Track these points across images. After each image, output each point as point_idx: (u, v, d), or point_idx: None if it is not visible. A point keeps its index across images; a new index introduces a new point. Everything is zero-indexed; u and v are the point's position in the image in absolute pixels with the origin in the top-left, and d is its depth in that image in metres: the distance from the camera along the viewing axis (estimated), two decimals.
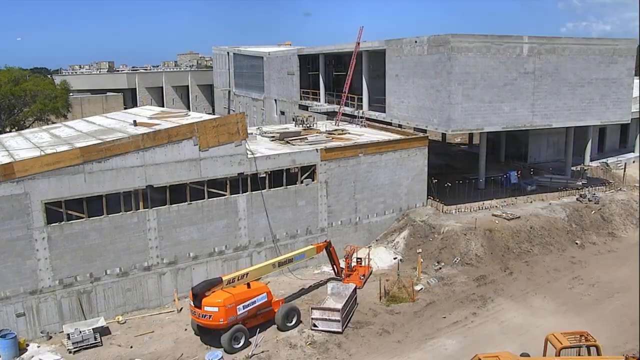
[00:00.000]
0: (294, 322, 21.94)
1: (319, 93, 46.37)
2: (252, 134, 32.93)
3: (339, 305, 21.97)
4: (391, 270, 26.83)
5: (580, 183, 35.50)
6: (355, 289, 23.77)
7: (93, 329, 21.17)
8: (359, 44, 37.64)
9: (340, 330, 21.53)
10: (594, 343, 16.00)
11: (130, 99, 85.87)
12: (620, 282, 25.67)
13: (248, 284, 21.57)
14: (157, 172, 23.51)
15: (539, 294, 25.04)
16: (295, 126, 36.28)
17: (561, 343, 15.87)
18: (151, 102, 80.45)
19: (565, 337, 16.25)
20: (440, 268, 27.13)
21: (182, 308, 23.91)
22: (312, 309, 22.08)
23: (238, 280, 21.15)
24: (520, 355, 16.92)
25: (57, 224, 21.85)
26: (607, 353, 16.68)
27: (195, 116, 29.96)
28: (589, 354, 16.02)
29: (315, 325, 21.77)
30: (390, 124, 36.08)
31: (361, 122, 37.49)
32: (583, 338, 16.20)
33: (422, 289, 25.30)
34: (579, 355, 16.08)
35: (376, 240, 30.16)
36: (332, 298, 23.21)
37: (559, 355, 15.72)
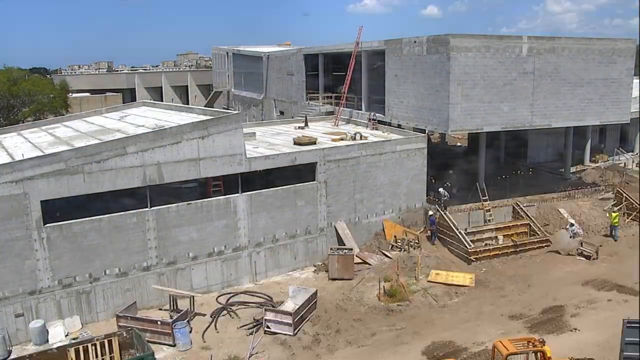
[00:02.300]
0: None
1: (318, 93, 46.40)
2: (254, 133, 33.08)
3: (292, 309, 21.87)
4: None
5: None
6: (315, 293, 23.53)
7: None
8: (358, 44, 37.63)
9: (291, 333, 21.26)
10: (540, 349, 15.81)
11: (129, 99, 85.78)
12: None
13: None
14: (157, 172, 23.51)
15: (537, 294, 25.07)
16: None
17: (507, 349, 15.69)
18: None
19: (512, 343, 16.08)
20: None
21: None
22: (265, 310, 21.99)
23: None
24: None
25: (56, 224, 21.82)
26: None
27: None
28: None
29: (268, 327, 21.61)
30: (389, 124, 36.06)
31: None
32: (530, 344, 16.02)
33: (422, 289, 25.29)
34: None
35: (375, 240, 30.12)
36: (292, 301, 23.14)
37: None
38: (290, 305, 22.83)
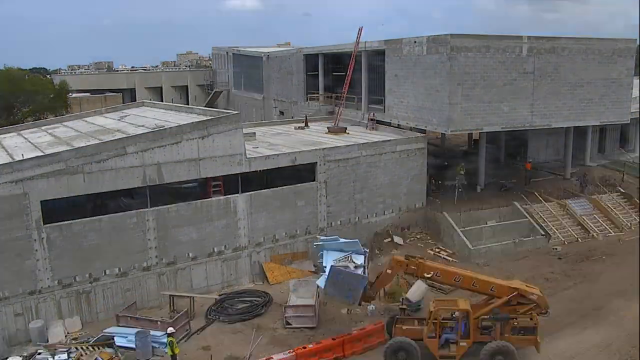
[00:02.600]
0: None
1: (318, 93, 46.39)
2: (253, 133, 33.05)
3: (312, 302, 22.42)
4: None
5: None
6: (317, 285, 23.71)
7: None
8: (358, 44, 37.60)
9: (314, 325, 21.83)
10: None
11: (129, 99, 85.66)
12: None
13: None
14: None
15: None
16: None
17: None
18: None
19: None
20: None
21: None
22: (285, 307, 22.35)
23: None
24: None
25: (56, 224, 21.81)
26: None
27: None
28: None
29: (289, 323, 22.02)
30: (389, 124, 36.05)
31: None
32: None
33: None
34: None
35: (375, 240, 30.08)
36: (294, 294, 23.44)
37: None
38: (293, 299, 23.06)
